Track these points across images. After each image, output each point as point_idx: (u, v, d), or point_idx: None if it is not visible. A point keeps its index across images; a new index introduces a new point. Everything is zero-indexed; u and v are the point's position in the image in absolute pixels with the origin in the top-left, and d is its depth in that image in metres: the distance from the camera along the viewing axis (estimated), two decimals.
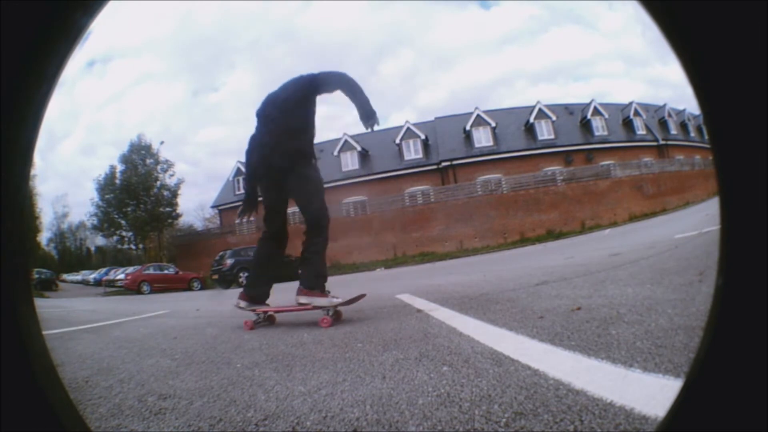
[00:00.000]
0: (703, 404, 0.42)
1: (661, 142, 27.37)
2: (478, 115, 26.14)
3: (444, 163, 25.23)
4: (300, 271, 3.13)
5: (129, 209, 29.89)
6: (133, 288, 18.00)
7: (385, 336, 2.26)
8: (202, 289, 18.03)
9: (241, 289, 3.41)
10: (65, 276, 33.94)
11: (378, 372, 1.61)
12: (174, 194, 31.05)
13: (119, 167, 30.51)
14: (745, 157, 0.38)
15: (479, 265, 8.56)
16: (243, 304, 3.33)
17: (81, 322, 5.05)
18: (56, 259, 41.50)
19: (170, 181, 31.19)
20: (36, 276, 23.09)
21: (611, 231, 15.16)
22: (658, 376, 1.17)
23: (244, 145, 3.60)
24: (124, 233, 31.77)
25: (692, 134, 29.02)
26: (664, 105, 29.50)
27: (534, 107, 26.55)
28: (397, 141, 26.48)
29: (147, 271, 19.37)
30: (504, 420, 1.04)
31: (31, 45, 0.45)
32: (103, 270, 29.43)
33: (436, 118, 28.41)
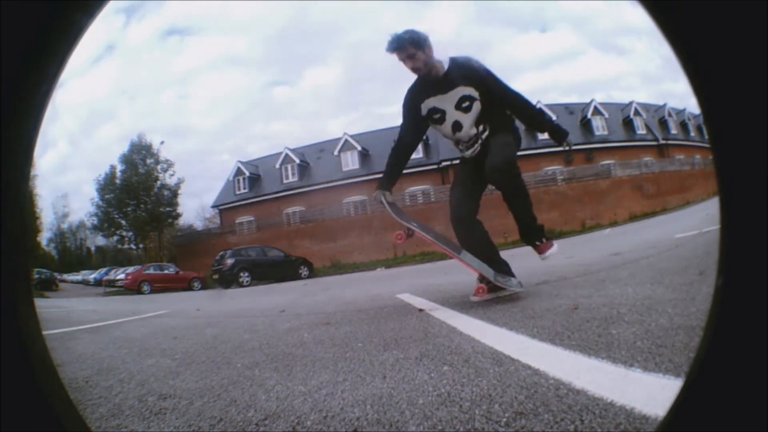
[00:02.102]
0: (704, 404, 0.42)
1: (661, 142, 27.37)
2: None
3: (444, 163, 25.21)
4: None
5: (129, 209, 29.92)
6: (133, 288, 18.01)
7: (386, 335, 2.26)
8: (202, 288, 18.05)
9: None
10: (65, 276, 33.91)
11: (378, 372, 1.61)
12: (174, 194, 31.07)
13: (119, 167, 30.55)
14: (745, 157, 0.38)
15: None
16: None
17: (81, 322, 5.05)
18: (56, 259, 41.47)
19: (171, 181, 31.21)
20: (36, 276, 23.10)
21: (611, 230, 15.16)
22: (658, 375, 1.17)
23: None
24: (124, 233, 31.81)
25: (692, 134, 29.00)
26: (664, 105, 29.49)
27: None
28: None
29: (147, 271, 19.38)
30: (504, 420, 1.04)
31: (31, 45, 0.45)
32: (104, 270, 29.41)
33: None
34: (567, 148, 3.10)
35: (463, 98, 2.88)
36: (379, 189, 3.18)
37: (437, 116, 2.98)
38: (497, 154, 2.86)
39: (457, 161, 3.43)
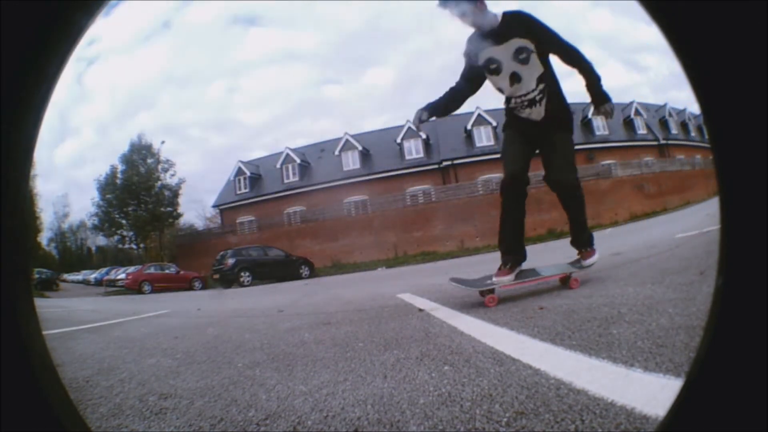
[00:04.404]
0: (704, 404, 0.42)
1: (662, 142, 27.32)
2: (479, 115, 26.08)
3: (445, 163, 25.19)
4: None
5: (130, 209, 29.91)
6: (134, 288, 18.00)
7: (387, 335, 2.26)
8: (203, 288, 18.03)
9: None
10: (66, 276, 33.90)
11: (379, 371, 1.61)
12: (175, 194, 31.05)
13: (120, 167, 30.54)
14: (745, 157, 0.38)
15: (481, 264, 8.55)
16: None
17: (82, 322, 5.06)
18: (57, 259, 41.44)
19: (171, 181, 31.19)
20: (36, 276, 23.09)
21: (612, 230, 15.14)
22: (659, 375, 1.17)
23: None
24: (125, 233, 31.79)
25: (693, 134, 28.96)
26: (665, 105, 29.42)
27: None
28: (398, 140, 26.45)
29: (148, 271, 19.37)
30: (505, 419, 1.04)
31: (31, 45, 0.45)
32: (104, 270, 29.37)
33: (437, 118, 28.37)
34: (603, 115, 2.97)
35: (519, 49, 2.90)
36: (422, 108, 3.12)
37: (494, 66, 2.98)
38: (561, 167, 3.06)
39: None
